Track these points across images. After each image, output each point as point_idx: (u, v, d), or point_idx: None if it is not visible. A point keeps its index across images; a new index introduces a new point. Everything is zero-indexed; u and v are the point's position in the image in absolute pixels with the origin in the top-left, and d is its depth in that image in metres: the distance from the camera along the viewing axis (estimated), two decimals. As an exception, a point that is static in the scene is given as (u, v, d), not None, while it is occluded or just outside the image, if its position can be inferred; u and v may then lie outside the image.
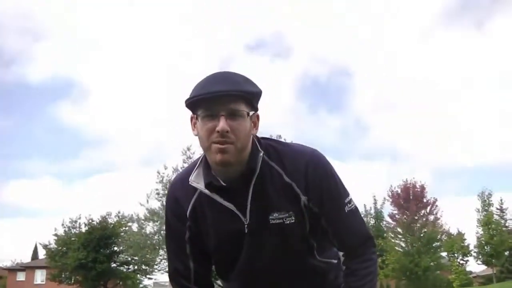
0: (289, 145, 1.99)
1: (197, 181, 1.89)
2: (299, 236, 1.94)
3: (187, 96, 1.81)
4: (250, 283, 2.03)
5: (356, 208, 1.98)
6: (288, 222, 1.88)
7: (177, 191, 2.00)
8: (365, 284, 1.93)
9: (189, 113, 1.88)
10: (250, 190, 1.86)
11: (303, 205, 1.89)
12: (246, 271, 1.99)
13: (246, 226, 1.89)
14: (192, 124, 1.87)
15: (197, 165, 1.93)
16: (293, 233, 1.91)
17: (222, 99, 1.74)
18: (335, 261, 2.09)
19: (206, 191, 1.87)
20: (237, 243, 1.93)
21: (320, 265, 2.04)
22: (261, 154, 1.86)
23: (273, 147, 1.93)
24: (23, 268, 64.48)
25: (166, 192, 2.17)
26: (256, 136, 1.92)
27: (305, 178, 1.87)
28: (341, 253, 2.01)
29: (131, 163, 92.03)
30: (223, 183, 1.86)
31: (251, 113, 1.82)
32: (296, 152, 1.93)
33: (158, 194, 43.06)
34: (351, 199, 1.96)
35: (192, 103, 1.79)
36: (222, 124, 1.73)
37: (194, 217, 1.95)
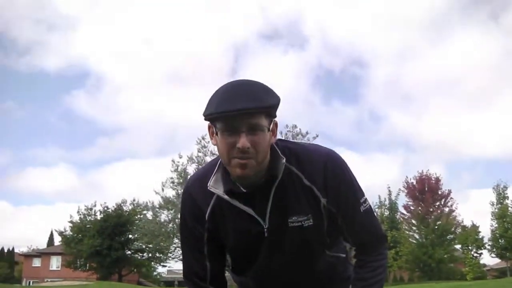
0: (306, 147, 1.99)
1: (216, 187, 1.88)
2: (316, 237, 1.97)
3: (205, 101, 1.78)
4: (264, 279, 2.06)
5: (370, 207, 2.01)
6: (306, 225, 1.90)
7: (195, 193, 1.99)
8: (376, 276, 1.97)
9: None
10: (271, 195, 1.86)
11: (323, 206, 1.91)
12: (262, 270, 2.02)
13: (265, 230, 1.90)
14: (210, 133, 1.85)
15: (215, 170, 1.92)
16: (312, 235, 1.93)
17: (243, 115, 1.71)
18: (343, 255, 2.14)
19: (226, 197, 1.86)
20: (255, 246, 1.95)
21: (330, 259, 2.08)
22: (283, 161, 1.84)
23: (290, 149, 1.92)
24: (39, 254, 65.27)
25: (185, 178, 2.11)
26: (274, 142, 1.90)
27: (324, 180, 1.88)
28: (349, 246, 2.05)
29: (146, 152, 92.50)
30: (243, 189, 1.86)
31: (271, 126, 1.80)
32: (313, 153, 1.93)
33: (173, 182, 43.23)
34: (366, 198, 1.99)
35: (212, 118, 1.78)
36: (243, 141, 1.71)
37: (213, 220, 1.95)
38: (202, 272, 2.04)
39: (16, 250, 69.11)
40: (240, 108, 1.69)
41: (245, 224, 1.90)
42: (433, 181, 47.03)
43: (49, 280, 54.38)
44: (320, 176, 1.88)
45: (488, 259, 50.36)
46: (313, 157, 1.92)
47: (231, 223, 1.93)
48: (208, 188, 1.89)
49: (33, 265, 64.39)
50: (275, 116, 1.83)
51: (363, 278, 1.97)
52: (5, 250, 67.24)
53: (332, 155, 1.94)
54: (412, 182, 47.54)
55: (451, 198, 46.92)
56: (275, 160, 1.85)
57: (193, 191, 2.00)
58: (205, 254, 2.02)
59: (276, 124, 1.85)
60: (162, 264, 54.12)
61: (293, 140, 1.96)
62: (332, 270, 2.11)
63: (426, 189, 46.65)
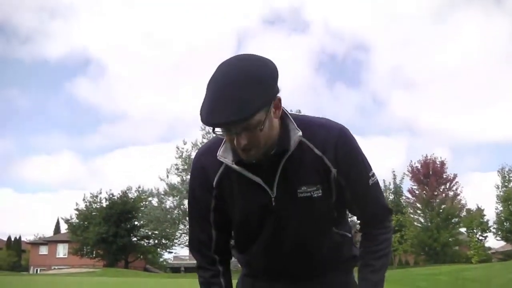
0: (317, 119, 1.98)
1: (224, 156, 1.86)
2: (325, 209, 1.96)
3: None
4: (268, 257, 2.04)
5: (377, 181, 2.02)
6: (316, 195, 1.89)
7: (204, 161, 1.99)
8: (383, 249, 2.00)
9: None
10: (280, 165, 1.85)
11: (333, 177, 1.90)
12: (267, 245, 2.00)
13: (273, 199, 1.89)
14: None
15: (224, 140, 1.87)
16: (320, 206, 1.93)
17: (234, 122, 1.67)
18: (350, 235, 2.15)
19: (235, 167, 1.85)
20: (262, 216, 1.94)
21: (337, 238, 2.08)
22: (300, 134, 1.82)
23: (301, 121, 1.89)
24: (46, 242, 65.76)
25: (190, 165, 2.10)
26: (285, 113, 1.87)
27: (335, 151, 1.88)
28: (354, 231, 2.07)
29: (150, 138, 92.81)
30: (253, 160, 1.82)
31: (271, 110, 1.74)
32: (325, 125, 1.93)
33: (177, 169, 43.49)
34: (373, 173, 2.00)
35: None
36: (239, 141, 1.71)
37: (221, 187, 1.96)
38: (207, 241, 2.05)
39: (23, 239, 69.64)
40: (227, 121, 1.65)
41: (253, 193, 1.90)
42: (438, 165, 47.07)
43: (56, 267, 54.87)
44: (332, 148, 1.88)
45: (493, 242, 50.63)
46: (325, 129, 1.92)
47: (239, 192, 1.93)
48: (218, 157, 1.88)
49: (40, 253, 64.91)
50: (278, 92, 1.75)
51: (371, 251, 2.00)
52: (12, 239, 67.69)
53: (344, 129, 1.95)
54: (417, 166, 47.64)
55: (457, 182, 47.04)
56: (288, 132, 1.84)
57: (202, 159, 2.01)
58: (211, 223, 2.03)
59: (279, 100, 1.78)
60: (168, 250, 54.63)
61: (302, 114, 1.92)
62: (338, 250, 2.11)
63: (431, 173, 46.73)
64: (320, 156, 1.89)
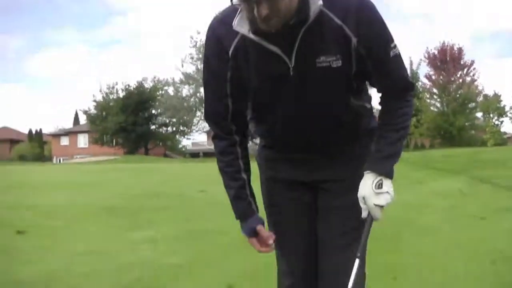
0: None
1: (241, 26, 1.81)
2: (343, 79, 1.92)
3: None
4: (287, 125, 2.03)
5: (400, 54, 1.95)
6: (335, 65, 1.85)
7: (219, 31, 1.93)
8: (401, 123, 1.99)
9: None
10: (299, 35, 1.80)
11: (353, 47, 1.85)
12: (286, 113, 1.99)
13: (291, 69, 1.85)
14: None
15: (240, 8, 1.80)
16: (339, 75, 1.89)
17: None
18: (369, 106, 2.14)
19: (252, 36, 1.80)
20: (280, 85, 1.91)
21: (357, 108, 2.06)
22: (320, 3, 1.76)
23: None
24: (66, 133, 67.09)
25: (206, 30, 2.04)
26: None
27: (356, 21, 1.81)
28: (378, 94, 2.02)
29: (163, 29, 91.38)
30: (271, 30, 1.75)
31: None
32: None
33: (192, 58, 43.32)
34: (396, 44, 1.92)
35: None
36: (260, 11, 1.65)
37: (237, 58, 1.91)
38: (223, 111, 2.04)
39: (43, 131, 70.92)
40: None
41: (270, 63, 1.86)
42: (455, 51, 46.27)
43: (78, 156, 56.29)
44: (353, 17, 1.82)
45: (509, 126, 50.64)
46: None
47: (256, 62, 1.89)
48: (233, 27, 1.83)
49: (61, 144, 66.56)
50: None
51: (390, 123, 1.98)
52: (33, 132, 69.00)
53: None
54: (434, 52, 46.88)
55: (474, 68, 46.41)
56: (307, 2, 1.77)
57: (217, 29, 1.95)
58: (228, 93, 2.00)
59: None
60: (186, 137, 55.64)
61: None
62: (357, 120, 2.10)
63: (448, 59, 46.02)
64: (340, 25, 1.82)
